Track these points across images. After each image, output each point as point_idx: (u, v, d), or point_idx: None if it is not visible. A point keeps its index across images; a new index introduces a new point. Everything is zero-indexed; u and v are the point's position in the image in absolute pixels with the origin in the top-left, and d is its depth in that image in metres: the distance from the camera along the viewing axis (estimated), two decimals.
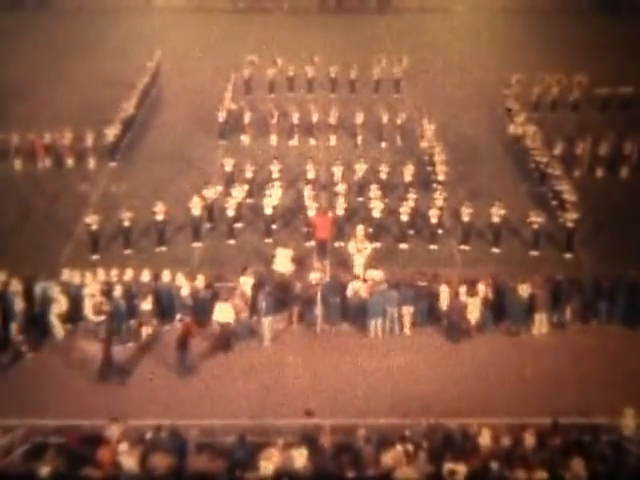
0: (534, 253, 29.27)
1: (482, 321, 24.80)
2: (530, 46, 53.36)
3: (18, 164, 35.71)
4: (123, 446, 17.03)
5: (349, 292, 25.36)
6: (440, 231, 30.13)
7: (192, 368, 23.00)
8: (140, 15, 62.65)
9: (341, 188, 31.25)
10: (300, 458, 16.78)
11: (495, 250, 29.53)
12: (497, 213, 29.44)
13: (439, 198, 30.44)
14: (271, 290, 24.87)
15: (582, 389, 21.88)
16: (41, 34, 56.77)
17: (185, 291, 24.76)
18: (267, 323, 24.49)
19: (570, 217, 29.21)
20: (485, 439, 17.78)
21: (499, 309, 25.14)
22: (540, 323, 24.90)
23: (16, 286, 24.28)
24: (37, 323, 24.11)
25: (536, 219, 29.26)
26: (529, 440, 17.65)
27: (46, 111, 41.42)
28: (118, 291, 24.32)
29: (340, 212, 29.87)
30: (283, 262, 27.21)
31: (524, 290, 24.78)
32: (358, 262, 26.97)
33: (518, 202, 32.07)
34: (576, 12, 62.72)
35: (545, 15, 62.09)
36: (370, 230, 29.20)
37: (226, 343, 24.28)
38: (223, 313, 24.09)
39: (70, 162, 35.95)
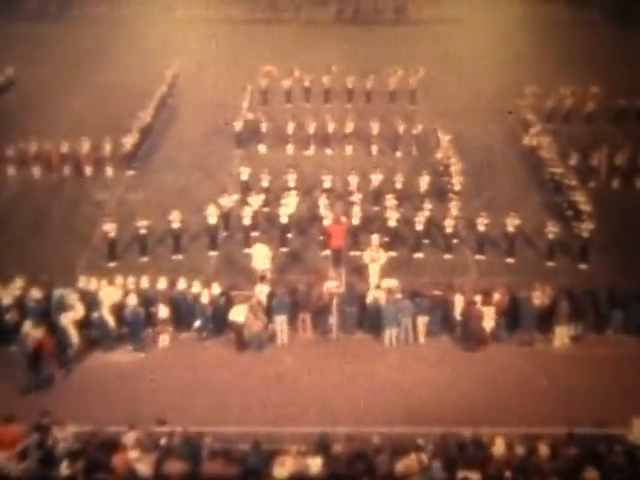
0: (549, 263, 29.26)
1: (496, 330, 24.79)
2: (545, 58, 53.30)
3: (37, 172, 36.03)
4: (134, 453, 17.20)
5: (369, 300, 25.45)
6: (455, 241, 30.18)
7: (46, 383, 22.71)
8: (158, 25, 62.98)
9: (356, 197, 31.33)
10: (315, 466, 16.90)
11: (510, 260, 29.54)
12: (512, 223, 29.48)
13: (454, 208, 30.49)
14: (285, 292, 25.12)
15: (597, 399, 21.81)
16: (60, 44, 57.18)
17: (205, 299, 24.88)
18: (280, 322, 24.72)
19: (585, 227, 29.23)
20: (499, 448, 17.81)
21: (514, 319, 25.12)
22: (561, 335, 24.81)
23: (35, 293, 24.55)
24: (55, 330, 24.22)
25: (552, 229, 29.27)
26: (543, 450, 17.67)
27: (65, 120, 41.76)
28: (135, 299, 24.46)
29: (355, 221, 29.91)
30: (261, 259, 27.40)
31: (537, 298, 24.81)
32: (373, 271, 27.04)
33: (533, 212, 32.11)
34: (590, 23, 62.71)
35: (559, 27, 62.02)
36: (385, 239, 29.24)
37: (241, 344, 24.47)
38: (239, 314, 24.33)
39: (88, 170, 36.22)
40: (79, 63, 52.25)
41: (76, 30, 61.28)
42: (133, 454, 17.21)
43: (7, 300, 24.41)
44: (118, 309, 24.52)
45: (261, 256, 27.41)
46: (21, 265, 27.49)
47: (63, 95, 46.01)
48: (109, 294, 24.83)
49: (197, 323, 24.98)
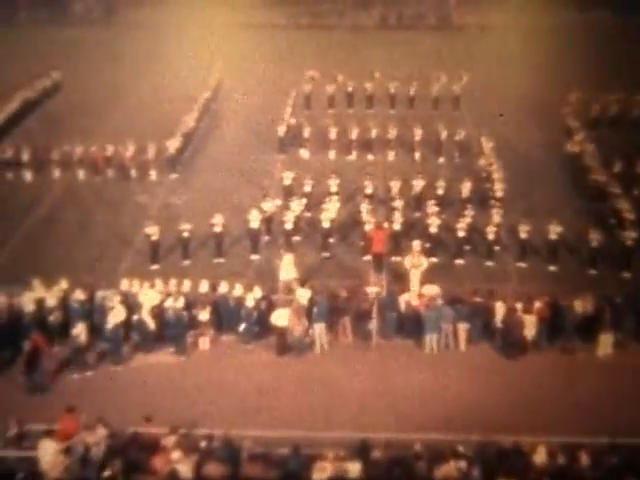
0: (591, 271, 29.00)
1: (538, 338, 24.59)
2: (589, 64, 52.90)
3: (82, 174, 36.49)
4: (177, 454, 17.33)
5: (401, 304, 25.44)
6: (497, 248, 29.99)
7: (44, 385, 22.67)
8: (202, 30, 63.46)
9: (398, 203, 31.29)
10: (354, 471, 16.93)
11: (552, 268, 29.33)
12: (554, 230, 29.26)
13: (496, 215, 30.36)
14: (325, 298, 25.09)
15: (638, 408, 21.62)
16: (106, 48, 58.07)
17: (250, 303, 24.92)
18: (319, 330, 24.73)
19: (629, 235, 28.94)
20: (541, 456, 17.70)
21: (555, 326, 24.90)
22: (605, 343, 24.55)
23: (79, 295, 24.78)
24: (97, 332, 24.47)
25: (595, 237, 29.01)
26: (584, 459, 17.53)
27: (110, 123, 42.36)
28: (180, 302, 24.63)
29: (397, 227, 29.88)
30: (287, 268, 27.30)
31: (579, 307, 24.61)
32: (414, 277, 26.97)
33: (575, 220, 31.81)
34: (636, 30, 62.05)
35: (604, 33, 61.51)
36: (427, 245, 29.19)
37: (283, 347, 24.52)
38: (281, 318, 24.39)
39: (133, 173, 36.64)
40: (124, 67, 52.96)
41: (121, 34, 62.17)
42: (175, 455, 17.35)
43: (51, 301, 24.69)
44: (158, 312, 24.74)
45: (287, 266, 27.35)
46: (65, 267, 27.85)
47: (108, 99, 46.70)
48: (149, 297, 25.05)
49: (242, 326, 25.11)
